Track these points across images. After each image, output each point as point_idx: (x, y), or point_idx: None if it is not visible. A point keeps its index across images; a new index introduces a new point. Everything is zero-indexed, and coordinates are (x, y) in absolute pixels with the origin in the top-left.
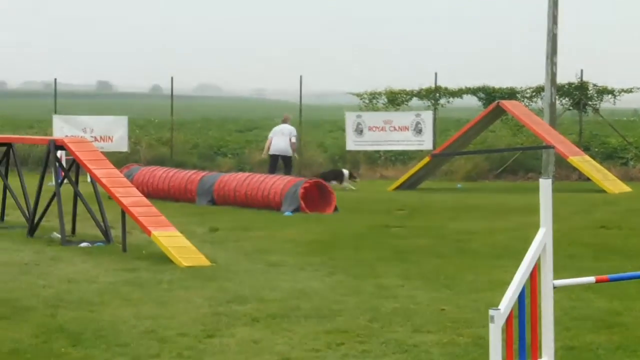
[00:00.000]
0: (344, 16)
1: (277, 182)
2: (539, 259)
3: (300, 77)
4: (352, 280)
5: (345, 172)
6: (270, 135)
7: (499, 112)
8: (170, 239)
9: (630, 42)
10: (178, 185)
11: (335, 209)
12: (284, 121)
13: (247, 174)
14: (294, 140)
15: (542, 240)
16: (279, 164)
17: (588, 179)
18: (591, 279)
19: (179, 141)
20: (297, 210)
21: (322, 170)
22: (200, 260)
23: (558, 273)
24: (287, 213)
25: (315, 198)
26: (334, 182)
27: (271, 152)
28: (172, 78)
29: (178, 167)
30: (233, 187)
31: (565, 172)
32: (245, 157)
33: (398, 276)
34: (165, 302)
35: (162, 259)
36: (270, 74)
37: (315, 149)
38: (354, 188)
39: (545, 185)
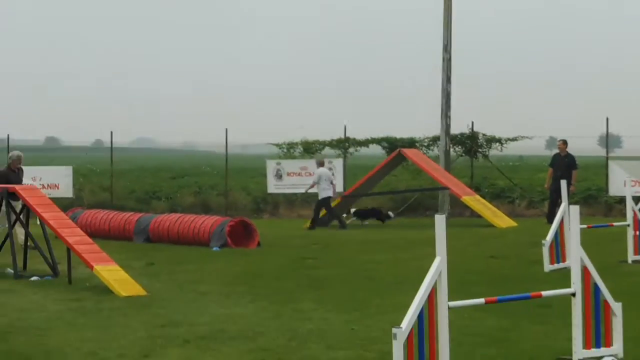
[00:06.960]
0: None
1: (206, 221)
2: (435, 284)
3: (226, 130)
4: (272, 306)
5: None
6: (315, 180)
7: (400, 158)
8: (111, 272)
9: (517, 96)
10: (117, 225)
11: (258, 244)
12: (321, 164)
13: (179, 214)
14: (335, 182)
15: (438, 267)
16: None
17: (479, 216)
18: (481, 300)
19: (118, 187)
20: (224, 245)
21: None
22: (138, 290)
23: (453, 296)
24: (215, 248)
25: (241, 235)
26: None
27: (322, 196)
28: (111, 132)
29: (117, 210)
30: (167, 227)
31: (459, 210)
32: (177, 200)
33: (313, 301)
34: (106, 327)
35: (104, 290)
36: (199, 127)
37: (240, 192)
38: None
39: (439, 220)
